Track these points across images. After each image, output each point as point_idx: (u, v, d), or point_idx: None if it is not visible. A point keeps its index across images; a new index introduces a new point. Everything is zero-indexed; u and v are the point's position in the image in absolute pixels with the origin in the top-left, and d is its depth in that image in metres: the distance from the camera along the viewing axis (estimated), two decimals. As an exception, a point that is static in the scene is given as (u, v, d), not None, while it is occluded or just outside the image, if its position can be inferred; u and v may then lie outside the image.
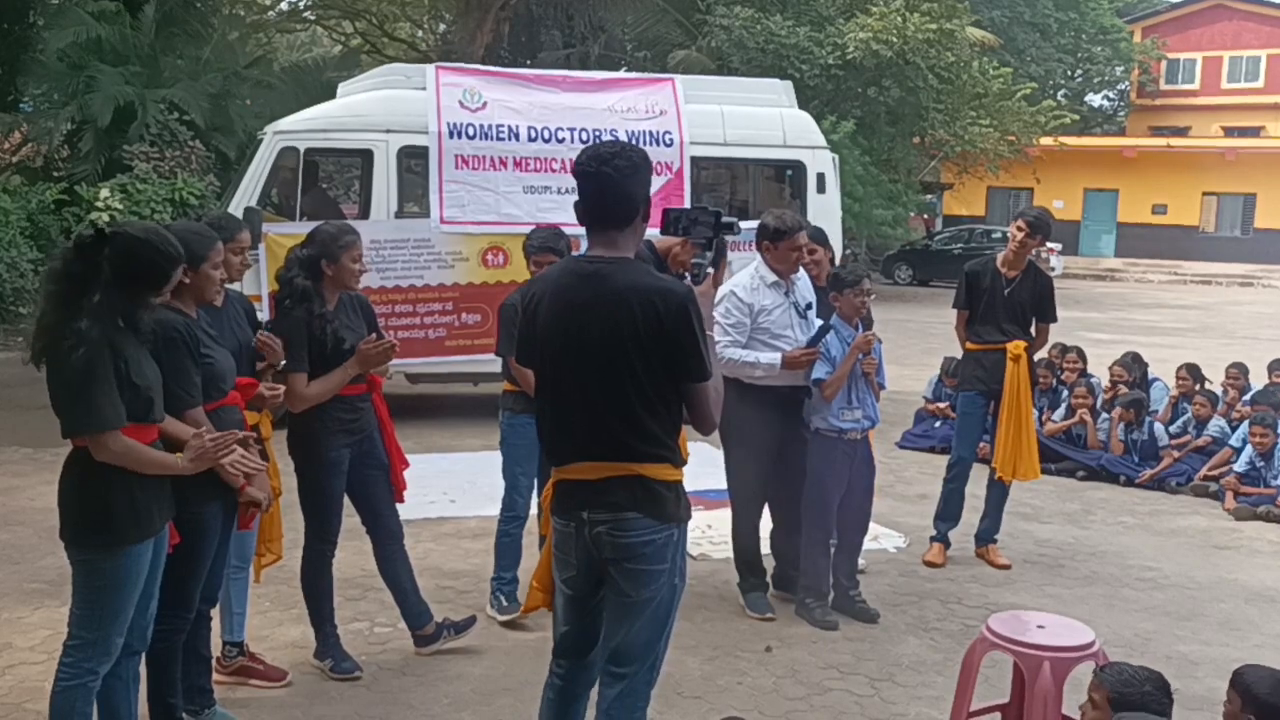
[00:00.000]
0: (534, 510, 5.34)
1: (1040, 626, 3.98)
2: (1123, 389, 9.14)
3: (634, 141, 9.68)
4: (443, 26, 31.28)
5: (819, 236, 5.99)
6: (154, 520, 3.33)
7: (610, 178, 3.09)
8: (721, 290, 5.62)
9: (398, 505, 4.85)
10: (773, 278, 5.41)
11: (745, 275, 5.56)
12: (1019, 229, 6.24)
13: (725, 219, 3.62)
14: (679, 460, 3.19)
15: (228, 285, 4.25)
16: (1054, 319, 6.48)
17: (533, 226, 9.33)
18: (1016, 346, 6.23)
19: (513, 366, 5.10)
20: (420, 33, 33.38)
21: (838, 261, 7.03)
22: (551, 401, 3.24)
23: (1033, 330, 6.42)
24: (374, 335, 4.54)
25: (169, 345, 3.48)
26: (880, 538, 6.74)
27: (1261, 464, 7.88)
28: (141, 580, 3.31)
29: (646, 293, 3.06)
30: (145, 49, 16.21)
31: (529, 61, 27.48)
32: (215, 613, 4.25)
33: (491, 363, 9.16)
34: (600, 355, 3.08)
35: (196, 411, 3.58)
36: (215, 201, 13.02)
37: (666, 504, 3.14)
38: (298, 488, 4.58)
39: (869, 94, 24.07)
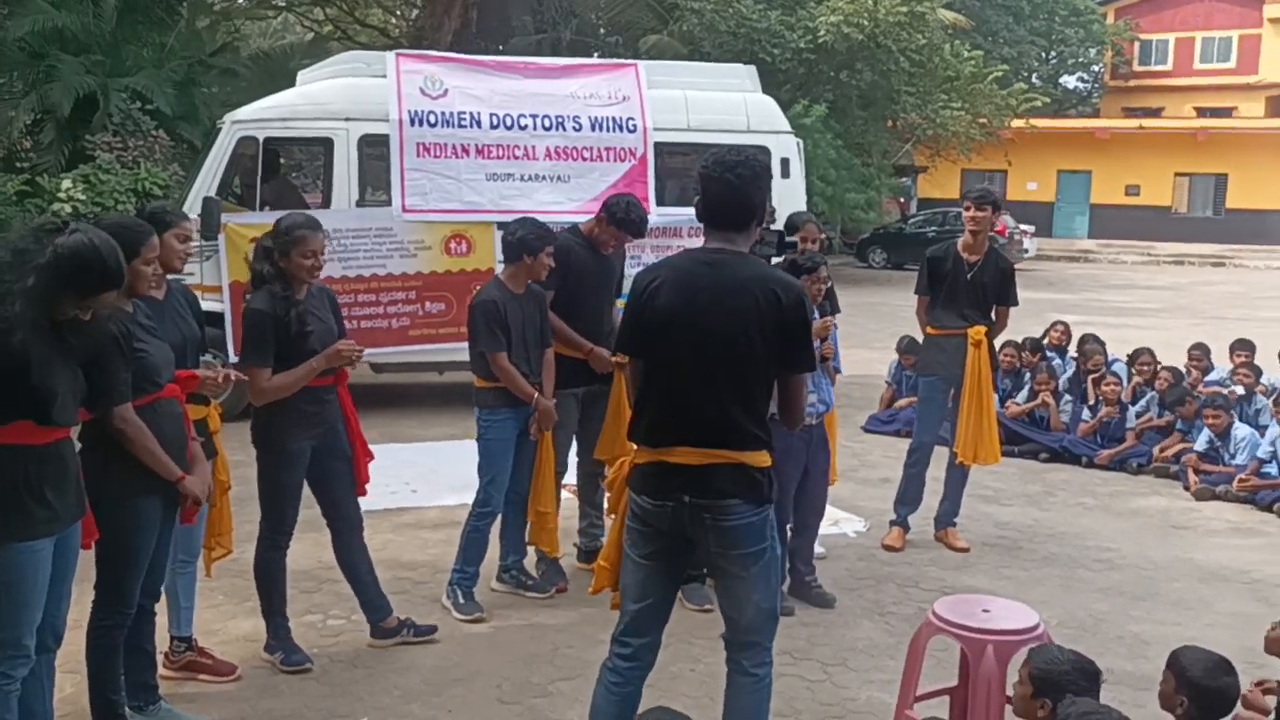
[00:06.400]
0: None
1: (985, 610, 3.99)
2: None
3: (597, 127, 9.70)
4: (415, 12, 31.04)
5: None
6: (43, 517, 3.23)
7: (731, 183, 3.29)
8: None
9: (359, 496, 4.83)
10: None
11: None
12: (966, 209, 6.27)
13: (789, 238, 3.79)
14: (772, 446, 3.36)
15: (172, 277, 4.23)
16: (1015, 303, 6.48)
17: (495, 214, 9.43)
18: (977, 332, 6.24)
19: (497, 363, 5.08)
20: (392, 19, 33.10)
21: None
22: (662, 386, 3.34)
23: (993, 315, 6.43)
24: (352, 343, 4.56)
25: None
26: (840, 522, 6.77)
27: (1220, 443, 7.93)
28: (40, 578, 3.24)
29: (769, 282, 3.26)
30: (107, 37, 15.98)
31: (500, 47, 27.33)
32: (162, 607, 4.22)
33: (456, 351, 9.22)
34: (725, 340, 3.23)
35: (124, 408, 3.53)
36: (180, 191, 12.89)
37: (762, 487, 3.32)
38: (256, 478, 4.55)
39: (841, 77, 24.06)
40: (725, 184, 3.30)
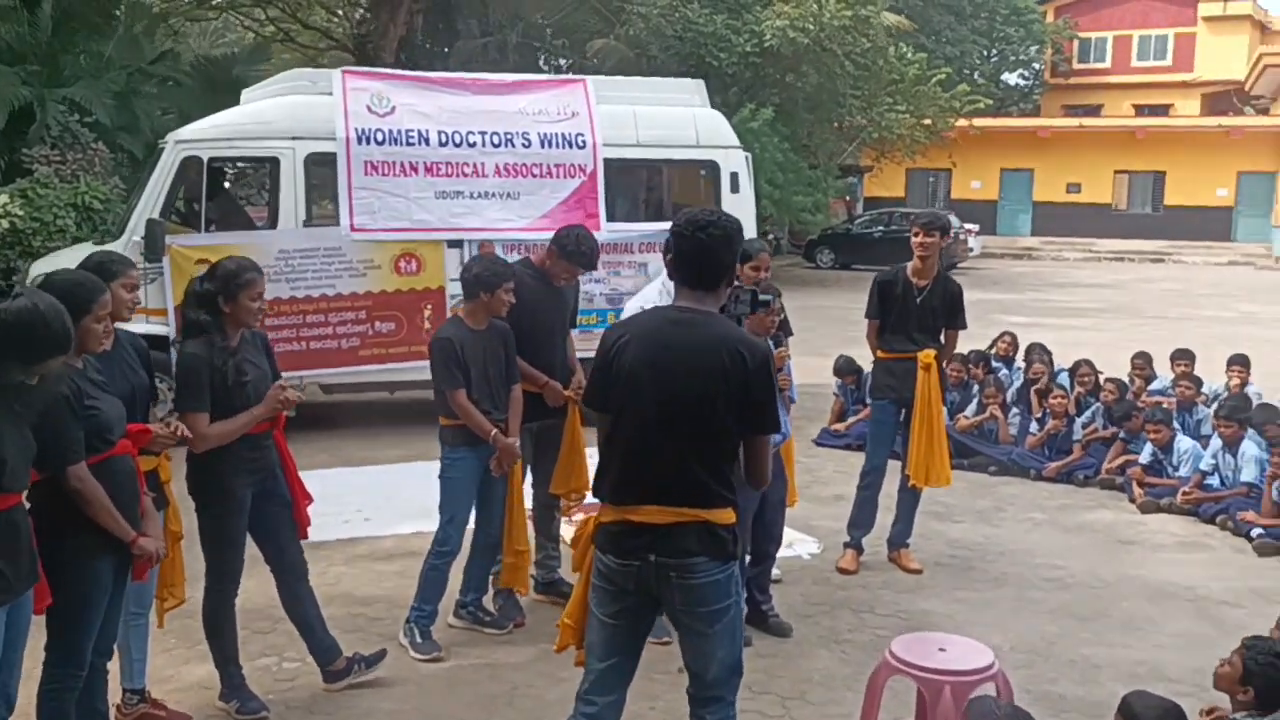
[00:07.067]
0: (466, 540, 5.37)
1: (941, 649, 4.06)
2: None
3: (546, 144, 9.67)
4: (359, 12, 30.69)
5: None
6: None
7: (703, 243, 3.34)
8: (633, 303, 5.66)
9: (312, 520, 4.78)
10: None
11: (653, 290, 5.60)
12: (915, 234, 6.31)
13: (761, 296, 4.03)
14: (737, 504, 3.39)
15: (119, 326, 4.15)
16: (964, 326, 6.56)
17: (445, 232, 9.41)
18: (927, 355, 6.30)
19: (455, 401, 5.06)
20: (334, 19, 32.68)
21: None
22: (626, 443, 3.36)
23: (942, 337, 6.50)
24: (287, 386, 4.48)
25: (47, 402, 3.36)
26: (795, 544, 6.80)
27: (1163, 456, 8.08)
28: None
29: (735, 343, 3.30)
30: (43, 47, 15.68)
31: (446, 49, 27.11)
32: (115, 658, 4.15)
33: (407, 370, 9.19)
34: (691, 399, 3.27)
35: (79, 468, 3.47)
36: (121, 205, 12.67)
37: (727, 545, 3.34)
38: (198, 527, 4.48)
39: (787, 80, 24.19)
40: (697, 243, 3.33)
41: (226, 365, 4.29)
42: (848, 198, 34.96)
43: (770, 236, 30.02)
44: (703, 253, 3.34)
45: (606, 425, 3.43)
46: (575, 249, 5.39)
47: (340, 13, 31.70)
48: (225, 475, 4.38)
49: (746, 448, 3.38)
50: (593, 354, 8.10)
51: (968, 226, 30.44)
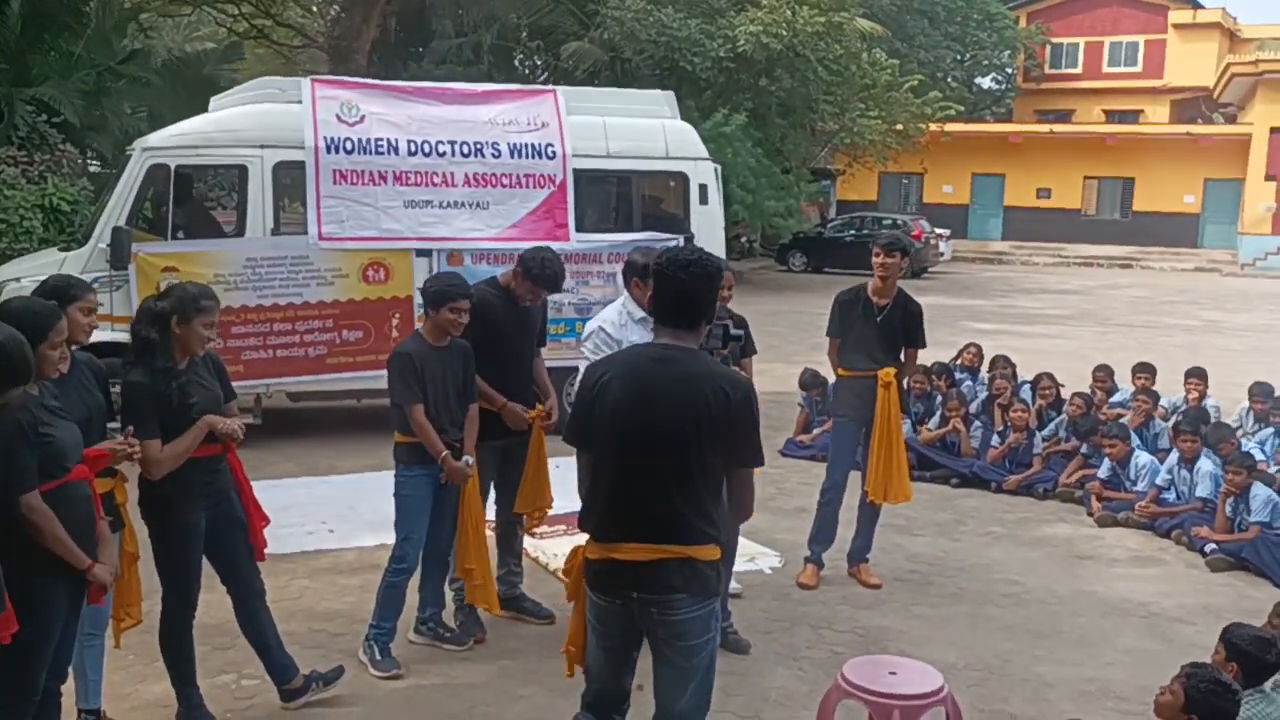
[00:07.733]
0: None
1: (891, 673, 4.12)
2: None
3: (516, 154, 9.69)
4: (334, 10, 30.52)
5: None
6: None
7: (683, 282, 3.38)
8: (591, 325, 5.69)
9: (276, 531, 4.80)
10: (640, 314, 5.45)
11: (613, 311, 5.62)
12: (876, 255, 6.38)
13: (733, 331, 4.08)
14: (721, 540, 3.41)
15: (75, 349, 4.15)
16: (923, 345, 6.63)
17: (414, 242, 9.42)
18: (887, 374, 6.37)
19: (412, 417, 5.07)
20: (308, 14, 32.47)
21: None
22: (610, 480, 3.39)
23: (902, 356, 6.57)
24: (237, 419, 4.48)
25: None
26: (757, 558, 6.87)
27: (1120, 470, 8.20)
28: None
29: (718, 380, 3.33)
30: (11, 45, 15.55)
31: (421, 49, 27.06)
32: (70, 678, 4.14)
33: (374, 379, 9.18)
34: (674, 436, 3.28)
35: (31, 496, 3.47)
36: (90, 206, 12.60)
37: (710, 581, 3.39)
38: (154, 552, 4.47)
39: (761, 85, 24.29)
40: (678, 282, 3.37)
41: (170, 389, 4.28)
42: (820, 200, 35.11)
43: (743, 240, 30.14)
44: (683, 292, 3.38)
45: (590, 462, 3.46)
46: (540, 272, 5.40)
47: (314, 8, 31.54)
48: (178, 500, 4.38)
49: (730, 481, 3.39)
50: (560, 362, 8.17)
51: (939, 231, 30.67)
